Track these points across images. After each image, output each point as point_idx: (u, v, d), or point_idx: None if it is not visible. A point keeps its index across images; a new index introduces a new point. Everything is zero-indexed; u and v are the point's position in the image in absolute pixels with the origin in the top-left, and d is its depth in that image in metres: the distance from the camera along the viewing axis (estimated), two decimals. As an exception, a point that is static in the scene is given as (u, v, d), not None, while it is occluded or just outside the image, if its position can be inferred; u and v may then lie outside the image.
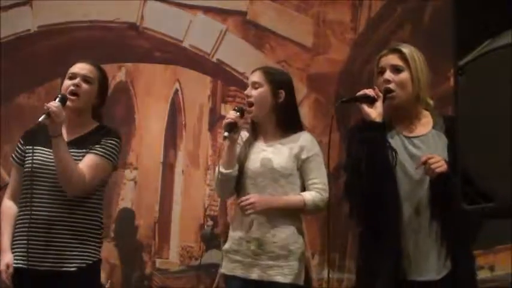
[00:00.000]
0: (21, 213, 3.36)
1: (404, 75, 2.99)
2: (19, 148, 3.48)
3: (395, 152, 2.93)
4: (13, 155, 3.50)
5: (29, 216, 3.31)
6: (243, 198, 3.34)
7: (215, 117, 5.48)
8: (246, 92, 3.48)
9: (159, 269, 5.48)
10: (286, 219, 3.40)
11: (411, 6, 5.22)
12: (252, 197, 3.32)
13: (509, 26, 1.99)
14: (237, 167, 3.40)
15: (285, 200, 3.38)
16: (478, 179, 2.07)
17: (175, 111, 5.58)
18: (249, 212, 3.31)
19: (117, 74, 5.65)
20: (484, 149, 2.05)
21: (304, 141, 3.46)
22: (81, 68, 3.43)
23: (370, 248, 2.98)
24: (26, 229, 3.32)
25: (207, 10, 5.56)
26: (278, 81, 3.49)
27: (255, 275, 3.36)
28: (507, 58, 1.97)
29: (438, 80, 4.93)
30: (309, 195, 3.40)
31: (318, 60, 5.37)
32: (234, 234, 3.43)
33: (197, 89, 5.56)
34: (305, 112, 5.30)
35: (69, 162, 3.26)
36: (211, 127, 5.50)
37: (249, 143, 3.48)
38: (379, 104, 2.93)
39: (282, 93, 3.47)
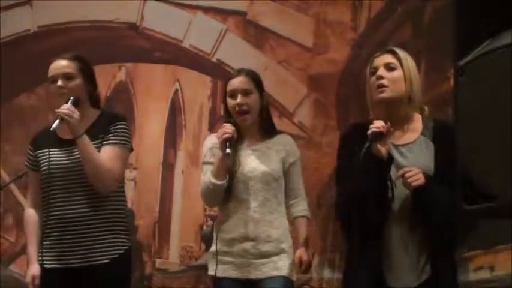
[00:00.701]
0: (45, 215, 3.36)
1: (398, 73, 3.00)
2: (30, 154, 3.48)
3: (395, 185, 2.93)
4: (26, 163, 3.51)
5: (53, 217, 3.32)
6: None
7: (215, 117, 5.48)
8: (239, 101, 3.42)
9: (159, 269, 5.48)
10: (278, 220, 3.45)
11: (411, 6, 5.22)
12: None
13: (509, 26, 1.99)
14: (227, 177, 3.41)
15: (305, 237, 3.47)
16: (478, 179, 2.08)
17: (175, 111, 5.58)
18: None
19: (117, 74, 5.65)
20: (484, 149, 2.06)
21: (288, 145, 3.52)
22: (56, 67, 3.39)
23: (353, 252, 2.99)
24: (54, 229, 3.33)
25: (207, 10, 5.56)
26: (261, 83, 3.53)
27: (252, 275, 3.38)
28: (507, 58, 1.97)
29: (438, 80, 4.93)
30: (304, 209, 3.52)
31: (318, 60, 5.37)
32: (224, 236, 3.43)
33: (197, 89, 5.56)
34: (305, 112, 5.30)
35: (99, 161, 3.27)
36: (211, 127, 5.50)
37: (234, 147, 3.46)
38: (388, 140, 2.91)
39: (267, 95, 3.51)
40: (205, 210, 5.42)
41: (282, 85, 5.30)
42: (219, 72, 5.47)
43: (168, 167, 5.55)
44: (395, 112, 2.99)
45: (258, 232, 3.39)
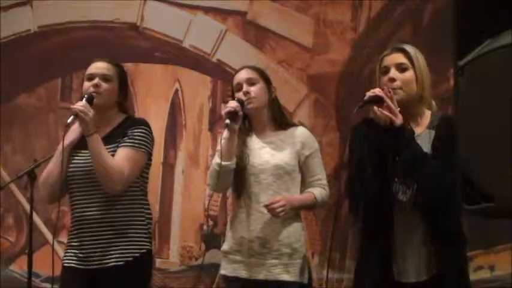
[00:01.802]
0: (71, 216, 3.43)
1: (410, 73, 3.00)
2: None
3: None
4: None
5: (77, 220, 3.38)
6: (271, 201, 3.31)
7: (215, 117, 5.48)
8: (244, 90, 3.42)
9: (159, 269, 5.47)
10: (290, 218, 3.39)
11: (411, 6, 5.22)
12: (282, 199, 3.30)
13: (509, 26, 1.99)
14: (235, 159, 3.38)
15: (300, 198, 3.39)
16: (479, 180, 2.08)
17: (175, 111, 5.58)
18: (281, 214, 3.28)
19: (117, 74, 5.65)
20: (484, 149, 2.06)
21: (304, 138, 3.45)
22: (98, 67, 3.44)
23: (364, 248, 3.03)
24: (77, 231, 3.39)
25: (207, 10, 5.56)
26: (267, 77, 3.52)
27: (261, 275, 3.34)
28: (507, 58, 1.97)
29: (438, 80, 4.93)
30: (318, 192, 3.42)
31: (318, 60, 5.37)
32: (235, 234, 3.41)
33: (197, 89, 5.56)
34: (305, 112, 5.31)
35: (107, 160, 3.29)
36: (211, 127, 5.50)
37: (243, 140, 3.46)
38: (394, 106, 2.91)
39: (275, 89, 3.50)
40: (205, 210, 5.43)
41: (282, 85, 5.29)
42: (219, 72, 5.47)
43: (168, 167, 5.55)
44: (407, 111, 3.00)
45: (268, 230, 3.35)
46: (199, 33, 5.55)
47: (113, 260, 3.33)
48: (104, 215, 3.34)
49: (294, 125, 3.53)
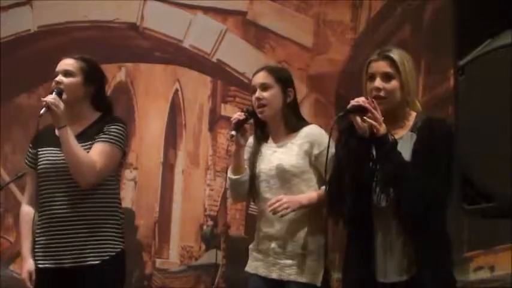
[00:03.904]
0: (40, 214, 3.40)
1: (395, 82, 3.03)
2: (30, 152, 3.50)
3: (377, 168, 2.97)
4: (25, 160, 3.53)
5: (46, 217, 3.35)
6: (273, 201, 3.32)
7: (215, 117, 5.49)
8: (257, 95, 3.38)
9: (159, 269, 5.48)
10: (307, 218, 3.37)
11: (411, 6, 5.22)
12: (283, 198, 3.31)
13: (509, 26, 1.99)
14: (247, 171, 3.40)
15: (309, 196, 3.36)
16: (478, 179, 2.08)
17: (175, 111, 5.59)
18: (283, 213, 3.28)
19: (117, 74, 5.65)
20: (484, 149, 2.06)
21: (313, 136, 3.41)
22: (61, 64, 3.44)
23: (347, 248, 3.06)
24: (46, 229, 3.36)
25: (207, 10, 5.56)
26: (285, 79, 3.47)
27: (274, 274, 3.36)
28: (507, 58, 1.97)
29: (438, 80, 4.93)
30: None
31: (318, 60, 5.37)
32: (257, 234, 3.44)
33: (197, 89, 5.57)
34: (305, 112, 5.28)
35: (79, 152, 3.28)
36: (211, 127, 5.50)
37: (259, 145, 3.46)
38: (378, 116, 2.93)
39: (292, 92, 3.46)
40: (205, 210, 5.43)
41: (282, 85, 5.30)
42: (219, 72, 5.47)
43: (168, 167, 5.56)
44: (392, 115, 3.03)
45: (283, 231, 3.34)
46: (199, 33, 5.55)
47: (89, 258, 3.31)
48: (79, 212, 3.32)
49: (306, 124, 3.48)
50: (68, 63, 3.43)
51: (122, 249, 3.41)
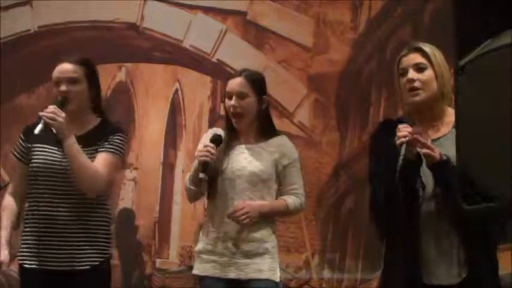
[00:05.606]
0: (30, 212, 3.36)
1: (428, 72, 2.96)
2: (21, 145, 3.43)
3: (424, 186, 2.91)
4: (13, 151, 3.47)
5: (38, 216, 3.31)
6: (236, 209, 3.33)
7: (215, 117, 5.48)
8: (232, 103, 3.40)
9: (159, 269, 5.48)
10: (263, 220, 3.42)
11: (411, 6, 5.22)
12: (245, 206, 3.33)
13: (509, 26, 1.99)
14: (203, 184, 3.43)
15: (271, 205, 3.44)
16: (478, 179, 2.07)
17: (175, 111, 5.59)
18: (245, 222, 3.32)
19: (117, 74, 5.65)
20: (484, 149, 2.05)
21: (283, 147, 3.47)
22: (62, 71, 3.34)
23: (390, 253, 2.99)
24: (34, 228, 3.32)
25: (207, 10, 5.56)
26: (261, 87, 3.49)
27: (232, 274, 3.39)
28: (507, 58, 1.97)
29: (438, 80, 4.93)
30: (291, 200, 3.46)
31: (318, 60, 5.37)
32: (209, 235, 3.45)
33: (197, 89, 5.57)
34: (305, 112, 5.31)
35: (87, 165, 3.25)
36: (211, 127, 5.49)
37: (226, 143, 3.46)
38: (427, 142, 2.85)
39: (266, 99, 3.48)
40: (205, 210, 5.43)
41: (282, 85, 5.30)
42: (219, 72, 5.47)
43: (168, 167, 5.56)
44: (429, 111, 2.97)
45: (241, 231, 3.39)
46: (199, 33, 5.55)
47: (80, 263, 3.30)
48: (74, 216, 3.29)
49: (278, 134, 3.53)
50: (70, 69, 3.33)
51: (110, 254, 3.42)
